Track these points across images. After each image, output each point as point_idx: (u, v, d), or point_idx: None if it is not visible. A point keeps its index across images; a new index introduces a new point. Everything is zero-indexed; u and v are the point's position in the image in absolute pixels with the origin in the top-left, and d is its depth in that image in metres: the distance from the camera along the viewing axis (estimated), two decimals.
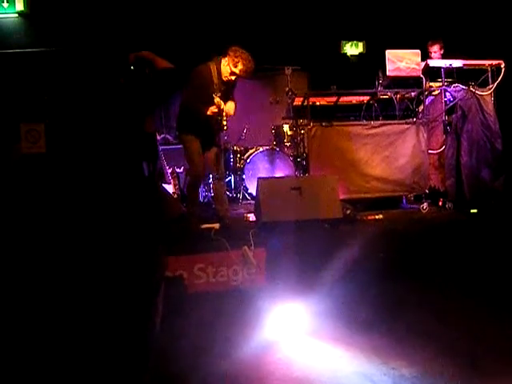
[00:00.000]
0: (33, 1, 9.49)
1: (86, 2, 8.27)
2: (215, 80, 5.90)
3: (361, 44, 11.32)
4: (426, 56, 7.85)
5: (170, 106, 10.23)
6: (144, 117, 3.21)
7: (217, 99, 5.80)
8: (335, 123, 7.39)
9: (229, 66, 5.85)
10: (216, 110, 5.83)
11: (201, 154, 6.11)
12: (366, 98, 8.06)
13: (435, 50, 8.09)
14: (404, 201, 7.68)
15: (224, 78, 5.94)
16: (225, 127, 6.10)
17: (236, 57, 5.78)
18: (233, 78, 5.93)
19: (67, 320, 2.99)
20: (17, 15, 9.56)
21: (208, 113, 5.83)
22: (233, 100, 6.16)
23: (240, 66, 5.79)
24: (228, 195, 7.84)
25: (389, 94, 7.86)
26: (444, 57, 7.99)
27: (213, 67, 5.94)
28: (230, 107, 6.07)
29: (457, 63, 7.59)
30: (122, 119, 3.13)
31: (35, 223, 3.07)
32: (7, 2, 9.43)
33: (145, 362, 3.01)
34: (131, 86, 3.25)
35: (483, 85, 7.53)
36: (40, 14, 9.33)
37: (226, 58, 5.86)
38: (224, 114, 5.97)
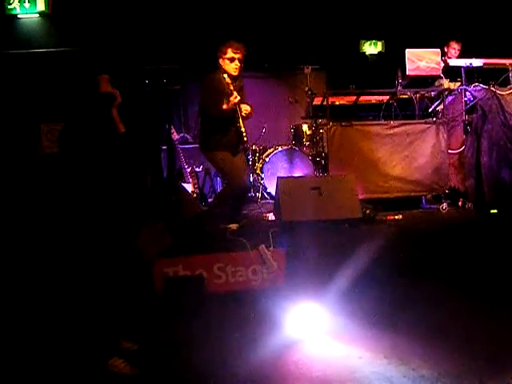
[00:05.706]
0: (54, 1, 9.56)
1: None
2: (227, 84, 5.90)
3: (380, 43, 11.28)
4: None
5: (189, 106, 10.29)
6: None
7: (235, 94, 5.83)
8: (354, 123, 7.38)
9: (226, 59, 5.96)
10: (236, 100, 5.83)
11: (238, 165, 6.01)
12: (385, 98, 8.03)
13: (454, 47, 8.06)
14: (423, 201, 7.64)
15: (233, 73, 5.97)
16: (245, 138, 5.98)
17: (222, 47, 5.98)
18: (236, 64, 5.96)
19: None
20: (38, 15, 9.63)
21: (229, 104, 5.82)
22: (248, 104, 6.14)
23: (229, 48, 5.95)
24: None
25: (408, 93, 7.83)
26: (463, 56, 7.95)
27: (221, 72, 5.99)
28: (246, 108, 6.05)
29: (477, 62, 7.56)
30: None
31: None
32: (28, 3, 9.51)
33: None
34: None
35: (504, 84, 7.47)
36: (61, 14, 9.41)
37: (220, 59, 6.00)
38: (242, 115, 5.95)
